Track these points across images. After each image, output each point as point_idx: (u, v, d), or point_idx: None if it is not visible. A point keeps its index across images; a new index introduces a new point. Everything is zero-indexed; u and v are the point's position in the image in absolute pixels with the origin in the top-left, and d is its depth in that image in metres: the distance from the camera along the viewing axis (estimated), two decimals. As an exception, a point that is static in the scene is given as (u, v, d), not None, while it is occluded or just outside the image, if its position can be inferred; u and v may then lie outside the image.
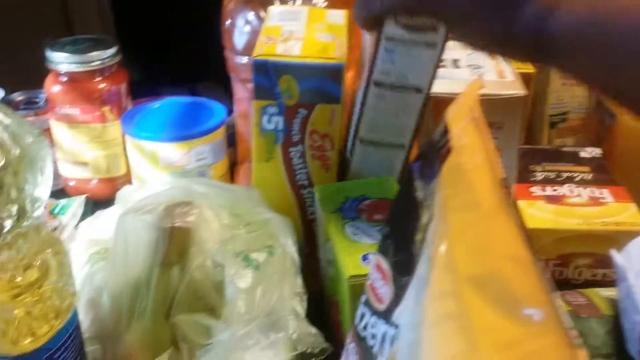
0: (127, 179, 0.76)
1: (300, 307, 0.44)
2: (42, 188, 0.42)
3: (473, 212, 0.22)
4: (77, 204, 0.73)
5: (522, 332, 0.19)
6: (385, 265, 0.30)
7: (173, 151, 0.69)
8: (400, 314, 0.27)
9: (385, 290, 0.29)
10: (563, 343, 0.19)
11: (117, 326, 0.47)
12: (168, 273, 0.44)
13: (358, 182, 0.52)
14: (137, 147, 0.71)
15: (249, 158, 0.71)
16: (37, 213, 0.42)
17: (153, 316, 0.45)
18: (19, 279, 0.41)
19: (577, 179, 0.65)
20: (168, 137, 0.69)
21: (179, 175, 0.69)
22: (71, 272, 0.45)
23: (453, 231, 0.22)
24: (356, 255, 0.43)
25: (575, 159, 0.69)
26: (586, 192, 0.62)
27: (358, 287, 0.41)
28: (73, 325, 0.45)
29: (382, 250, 0.31)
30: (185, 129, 0.70)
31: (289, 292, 0.43)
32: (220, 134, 0.72)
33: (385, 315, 0.29)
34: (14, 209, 0.40)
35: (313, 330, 0.43)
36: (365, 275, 0.41)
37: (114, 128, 0.75)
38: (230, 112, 0.74)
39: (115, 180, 0.77)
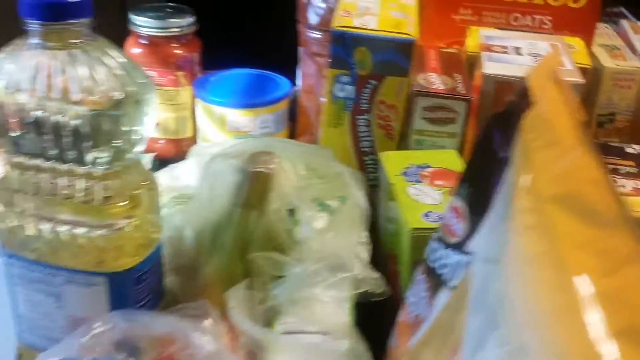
0: (192, 141, 0.81)
1: (365, 254, 0.48)
2: (146, 126, 0.47)
3: (554, 148, 0.26)
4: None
5: (598, 234, 0.23)
6: (460, 205, 0.34)
7: (240, 117, 0.74)
8: (475, 243, 0.31)
9: (459, 227, 0.34)
10: (634, 241, 0.22)
11: (197, 260, 0.52)
12: (248, 214, 0.49)
13: (421, 152, 0.56)
14: (207, 111, 0.76)
15: (309, 131, 0.76)
16: (139, 149, 0.47)
17: (231, 252, 0.50)
18: (121, 205, 0.46)
19: (622, 171, 0.68)
20: (237, 104, 0.74)
21: (244, 141, 0.74)
22: (159, 207, 0.51)
23: (535, 165, 0.26)
24: (418, 213, 0.48)
25: (621, 154, 0.72)
26: (630, 184, 0.65)
27: (419, 239, 0.46)
28: (158, 254, 0.50)
29: (459, 193, 0.35)
30: (253, 98, 0.75)
31: (356, 239, 0.47)
32: (283, 105, 0.77)
33: (459, 246, 0.33)
34: (125, 140, 0.45)
35: (375, 274, 0.47)
36: (425, 229, 0.46)
37: (186, 93, 0.80)
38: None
39: (181, 141, 0.82)
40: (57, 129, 0.43)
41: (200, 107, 0.77)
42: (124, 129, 0.44)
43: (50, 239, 0.46)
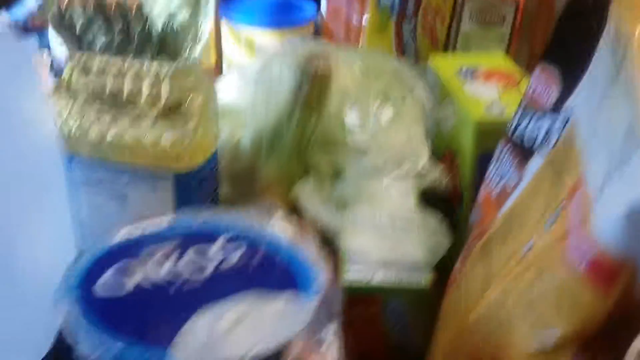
0: (216, 69, 0.81)
1: (426, 149, 0.49)
2: (205, 30, 0.46)
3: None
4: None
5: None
6: (551, 69, 0.34)
7: (268, 39, 0.74)
8: (574, 100, 0.32)
9: (550, 91, 0.34)
10: None
11: (253, 164, 0.52)
12: (307, 115, 0.49)
13: (469, 54, 0.56)
14: (233, 34, 0.75)
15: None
16: (198, 54, 0.47)
17: (290, 154, 0.50)
18: (186, 106, 0.46)
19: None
20: (264, 23, 0.74)
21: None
22: (217, 112, 0.50)
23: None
24: (480, 107, 0.48)
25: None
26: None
27: (484, 131, 0.46)
28: (216, 159, 0.50)
29: (548, 57, 0.35)
30: (280, 18, 0.75)
31: (419, 134, 0.48)
32: (310, 28, 0.76)
33: (554, 108, 0.34)
34: (191, 40, 0.44)
35: (437, 168, 0.48)
36: (490, 123, 0.47)
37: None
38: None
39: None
40: (125, 22, 0.42)
41: (226, 30, 0.76)
42: (190, 28, 0.44)
43: (114, 141, 0.46)
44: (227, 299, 0.27)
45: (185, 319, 0.26)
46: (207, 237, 0.31)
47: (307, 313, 0.26)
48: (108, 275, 0.28)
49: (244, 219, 0.33)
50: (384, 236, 0.42)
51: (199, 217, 0.32)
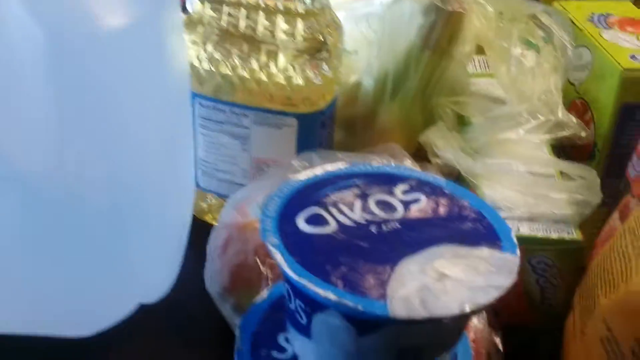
0: None
1: (560, 100, 0.46)
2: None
3: None
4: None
5: None
6: None
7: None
8: None
9: None
10: None
11: (374, 108, 0.50)
12: (436, 57, 0.47)
13: (598, 2, 0.53)
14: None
15: None
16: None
17: (414, 99, 0.49)
18: (315, 46, 0.44)
19: None
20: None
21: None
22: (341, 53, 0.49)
23: None
24: (623, 55, 0.45)
25: None
26: None
27: (629, 79, 0.44)
28: (335, 101, 0.49)
29: None
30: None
31: (558, 84, 0.45)
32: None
33: None
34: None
35: (574, 119, 0.45)
36: (636, 69, 0.44)
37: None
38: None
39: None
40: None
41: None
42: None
43: (244, 80, 0.45)
44: (429, 245, 0.26)
45: (391, 266, 0.24)
46: (387, 180, 0.29)
47: (513, 265, 0.25)
48: (305, 213, 0.27)
49: (410, 167, 0.31)
50: (527, 189, 0.40)
51: (369, 165, 0.31)
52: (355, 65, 0.51)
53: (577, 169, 0.41)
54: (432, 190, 0.29)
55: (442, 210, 0.28)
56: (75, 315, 0.42)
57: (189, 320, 0.45)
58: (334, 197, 0.28)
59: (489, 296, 0.24)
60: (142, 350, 0.43)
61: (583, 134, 0.45)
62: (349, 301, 0.23)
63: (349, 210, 0.27)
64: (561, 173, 0.42)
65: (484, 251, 0.26)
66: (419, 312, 0.23)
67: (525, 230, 0.38)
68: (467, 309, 0.23)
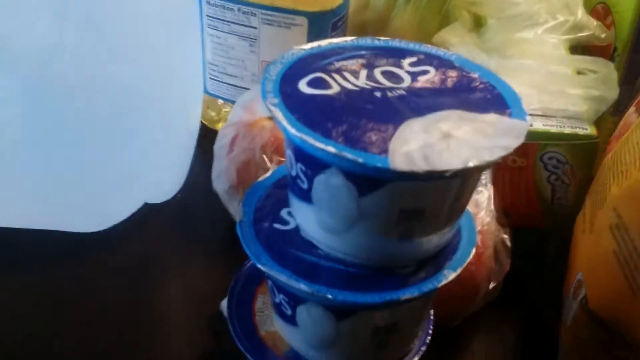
0: None
1: (580, 1, 0.45)
2: None
3: None
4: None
5: None
6: None
7: None
8: None
9: None
10: None
11: (386, 13, 0.49)
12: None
13: None
14: None
15: None
16: None
17: (428, 3, 0.47)
18: None
19: None
20: None
21: None
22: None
23: None
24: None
25: None
26: None
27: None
28: (347, 3, 0.47)
29: None
30: None
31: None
32: None
33: None
34: None
35: (594, 21, 0.44)
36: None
37: None
38: None
39: None
40: None
41: None
42: None
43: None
44: (435, 110, 0.25)
45: (394, 126, 0.24)
46: (395, 54, 0.28)
47: (521, 129, 0.24)
48: (307, 78, 0.26)
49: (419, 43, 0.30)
50: (542, 85, 0.39)
51: (376, 39, 0.30)
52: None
53: (594, 62, 0.39)
54: (441, 63, 0.28)
55: (450, 81, 0.27)
56: (82, 210, 0.42)
57: (196, 219, 0.45)
58: (338, 64, 0.27)
59: (494, 155, 0.23)
60: (148, 247, 0.43)
61: (603, 35, 0.43)
62: (349, 154, 0.22)
63: (353, 77, 0.27)
64: (578, 71, 0.40)
65: (492, 116, 0.25)
66: (421, 165, 0.22)
67: (539, 125, 0.37)
68: (471, 164, 0.22)
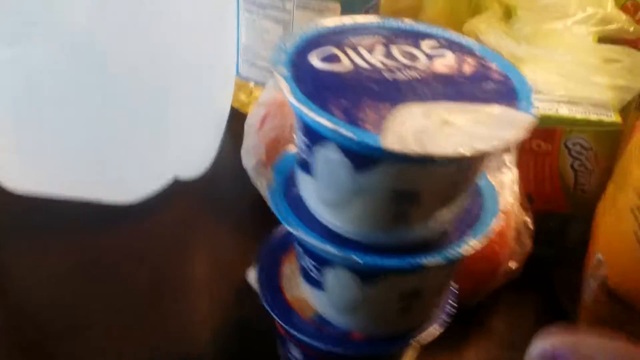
0: None
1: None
2: None
3: None
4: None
5: None
6: None
7: None
8: None
9: None
10: None
11: (420, 0, 0.50)
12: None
13: None
14: None
15: None
16: None
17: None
18: None
19: None
20: None
21: None
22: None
23: None
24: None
25: None
26: None
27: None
28: None
29: None
30: None
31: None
32: None
33: None
34: None
35: (623, 15, 0.44)
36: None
37: None
38: None
39: None
40: None
41: None
42: None
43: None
44: (440, 99, 0.25)
45: (394, 107, 0.24)
46: (417, 36, 0.29)
47: (524, 122, 0.25)
48: (321, 52, 0.27)
49: (443, 28, 0.31)
50: (569, 73, 0.40)
51: (401, 22, 0.30)
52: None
53: (621, 51, 0.40)
54: (461, 49, 0.29)
55: (465, 67, 0.27)
56: (114, 181, 0.44)
57: (224, 194, 0.47)
58: (355, 41, 0.28)
59: (489, 144, 0.23)
60: (177, 221, 0.44)
61: (631, 28, 0.44)
62: (344, 129, 0.23)
63: (367, 54, 0.27)
64: (604, 60, 0.41)
65: (497, 108, 0.25)
66: (412, 147, 0.22)
67: (565, 111, 0.38)
68: (462, 152, 0.23)
